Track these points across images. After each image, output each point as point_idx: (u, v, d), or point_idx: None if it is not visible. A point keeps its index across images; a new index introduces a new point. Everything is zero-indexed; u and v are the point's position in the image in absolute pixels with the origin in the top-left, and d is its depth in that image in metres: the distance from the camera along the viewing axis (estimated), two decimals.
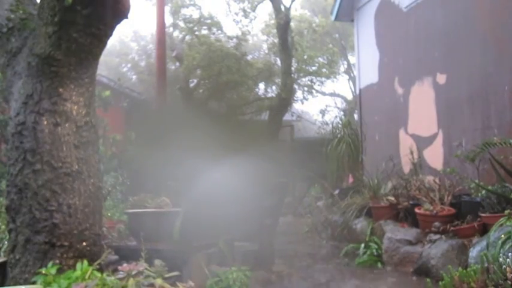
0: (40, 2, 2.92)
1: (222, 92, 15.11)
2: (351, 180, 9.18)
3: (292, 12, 15.50)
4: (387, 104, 8.02)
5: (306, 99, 19.05)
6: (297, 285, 4.89)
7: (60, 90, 2.95)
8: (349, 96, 19.57)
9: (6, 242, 3.45)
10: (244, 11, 16.89)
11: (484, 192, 4.91)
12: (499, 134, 5.39)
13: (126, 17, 3.03)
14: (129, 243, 4.58)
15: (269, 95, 17.01)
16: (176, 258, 3.69)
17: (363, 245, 6.01)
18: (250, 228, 5.16)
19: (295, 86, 16.99)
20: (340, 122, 9.99)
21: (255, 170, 4.79)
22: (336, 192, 8.13)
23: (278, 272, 5.25)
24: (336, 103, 20.61)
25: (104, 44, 3.09)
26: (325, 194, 9.12)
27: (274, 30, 14.70)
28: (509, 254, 3.07)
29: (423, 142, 6.92)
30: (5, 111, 5.14)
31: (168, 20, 16.03)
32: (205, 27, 16.48)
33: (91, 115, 3.12)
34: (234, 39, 15.95)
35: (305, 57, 16.47)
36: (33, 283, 2.68)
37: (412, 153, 6.96)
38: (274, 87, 17.16)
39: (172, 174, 5.61)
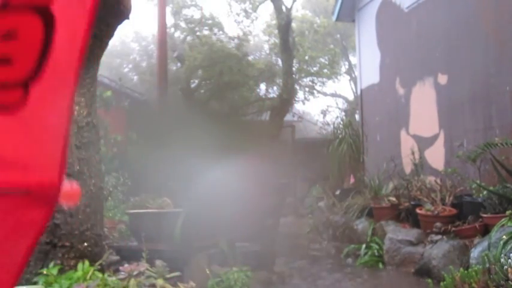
0: None
1: (223, 92, 15.10)
2: (352, 180, 9.17)
3: (294, 13, 15.50)
4: (388, 105, 8.01)
5: (307, 100, 19.07)
6: (298, 286, 4.88)
7: None
8: (351, 97, 19.55)
9: None
10: (245, 11, 16.90)
11: (485, 192, 4.90)
12: (500, 134, 5.38)
13: (127, 18, 3.04)
14: (130, 244, 4.58)
15: (270, 95, 16.99)
16: (177, 259, 3.69)
17: (364, 246, 6.00)
18: (251, 228, 5.16)
19: (297, 87, 16.98)
20: (342, 122, 9.97)
21: (256, 171, 4.79)
22: (337, 192, 8.13)
23: (279, 272, 5.25)
24: (337, 103, 20.56)
25: (106, 44, 3.10)
26: (327, 194, 9.11)
27: (276, 31, 14.69)
28: (511, 254, 3.07)
29: (424, 142, 6.91)
30: None
31: (170, 20, 16.03)
32: (206, 28, 16.49)
33: (92, 115, 3.13)
34: (236, 40, 15.95)
35: (306, 57, 16.46)
36: (35, 283, 2.68)
37: (413, 153, 6.95)
38: (275, 88, 17.15)
39: (173, 174, 5.61)
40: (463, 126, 6.11)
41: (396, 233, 5.59)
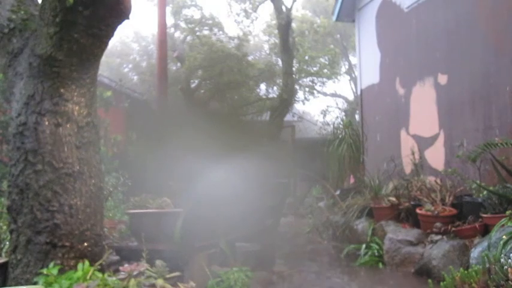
0: (41, 2, 2.92)
1: (223, 92, 15.11)
2: (352, 180, 9.17)
3: (294, 13, 15.51)
4: (388, 105, 8.01)
5: (307, 100, 19.09)
6: (298, 286, 4.88)
7: (62, 90, 2.95)
8: (351, 97, 19.59)
9: (7, 243, 3.46)
10: (245, 11, 16.94)
11: (485, 192, 4.90)
12: (500, 134, 5.38)
13: (128, 18, 3.03)
14: (130, 244, 4.58)
15: (270, 95, 17.01)
16: (177, 259, 3.69)
17: (364, 246, 6.00)
18: (251, 228, 5.16)
19: (297, 87, 17.00)
20: (342, 122, 9.98)
21: (256, 171, 4.79)
22: (337, 192, 8.13)
23: (279, 272, 5.25)
24: (337, 103, 20.59)
25: (105, 44, 3.09)
26: (327, 194, 9.12)
27: (276, 31, 14.72)
28: (511, 254, 3.07)
29: (424, 142, 6.92)
30: (7, 112, 5.14)
31: (170, 20, 16.07)
32: (206, 28, 16.53)
33: (92, 115, 3.13)
34: (236, 40, 15.97)
35: (306, 57, 16.49)
36: (35, 283, 2.68)
37: (413, 153, 6.96)
38: (275, 88, 17.17)
39: (173, 174, 5.61)
40: (463, 126, 6.11)
41: (396, 233, 5.60)
